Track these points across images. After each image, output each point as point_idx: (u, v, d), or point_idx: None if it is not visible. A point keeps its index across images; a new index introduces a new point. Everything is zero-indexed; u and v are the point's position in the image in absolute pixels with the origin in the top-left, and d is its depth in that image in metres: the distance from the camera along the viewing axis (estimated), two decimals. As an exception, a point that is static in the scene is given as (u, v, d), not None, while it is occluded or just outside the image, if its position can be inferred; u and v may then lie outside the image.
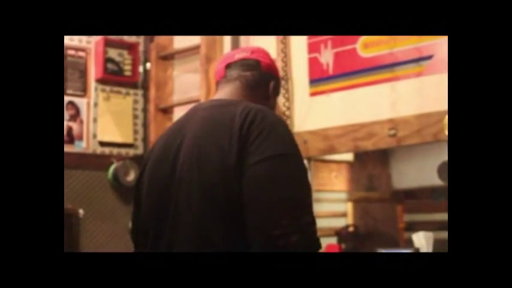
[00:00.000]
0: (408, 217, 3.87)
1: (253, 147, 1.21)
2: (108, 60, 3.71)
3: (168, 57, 3.88)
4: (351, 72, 2.86)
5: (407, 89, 2.63)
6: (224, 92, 1.46)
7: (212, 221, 1.24)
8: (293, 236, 1.16)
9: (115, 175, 3.61)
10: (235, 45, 3.12)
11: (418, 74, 2.59)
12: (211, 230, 1.24)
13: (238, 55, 1.51)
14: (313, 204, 1.26)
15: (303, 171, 1.26)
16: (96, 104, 3.67)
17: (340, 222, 3.51)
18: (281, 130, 1.26)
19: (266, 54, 1.55)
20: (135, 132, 3.83)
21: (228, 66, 1.49)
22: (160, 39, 3.85)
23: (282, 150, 1.22)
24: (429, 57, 2.57)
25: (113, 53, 3.74)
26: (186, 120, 1.38)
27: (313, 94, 2.99)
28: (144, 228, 1.39)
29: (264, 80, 1.47)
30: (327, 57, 2.95)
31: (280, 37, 3.11)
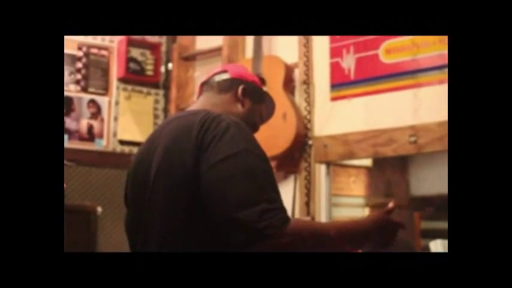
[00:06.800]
0: (425, 224, 3.85)
1: (207, 152, 1.33)
2: (130, 59, 3.74)
3: (189, 58, 3.91)
4: (372, 78, 2.85)
5: (430, 96, 2.62)
6: (196, 104, 1.61)
7: (176, 221, 1.35)
8: (247, 231, 1.23)
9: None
10: (257, 47, 3.12)
11: (441, 81, 2.58)
12: (175, 231, 1.36)
13: (212, 73, 1.66)
14: (274, 190, 1.31)
15: (259, 162, 1.33)
16: (117, 103, 3.71)
17: (357, 228, 3.49)
18: (232, 131, 1.35)
19: (237, 66, 1.72)
20: (155, 131, 3.85)
21: (204, 83, 1.64)
22: (183, 40, 3.87)
23: (232, 150, 1.31)
24: (452, 65, 2.55)
25: (135, 53, 3.77)
26: (158, 132, 1.51)
27: (334, 99, 2.99)
28: (128, 234, 1.54)
29: (233, 85, 1.61)
30: (348, 62, 2.95)
31: (303, 41, 3.11)
